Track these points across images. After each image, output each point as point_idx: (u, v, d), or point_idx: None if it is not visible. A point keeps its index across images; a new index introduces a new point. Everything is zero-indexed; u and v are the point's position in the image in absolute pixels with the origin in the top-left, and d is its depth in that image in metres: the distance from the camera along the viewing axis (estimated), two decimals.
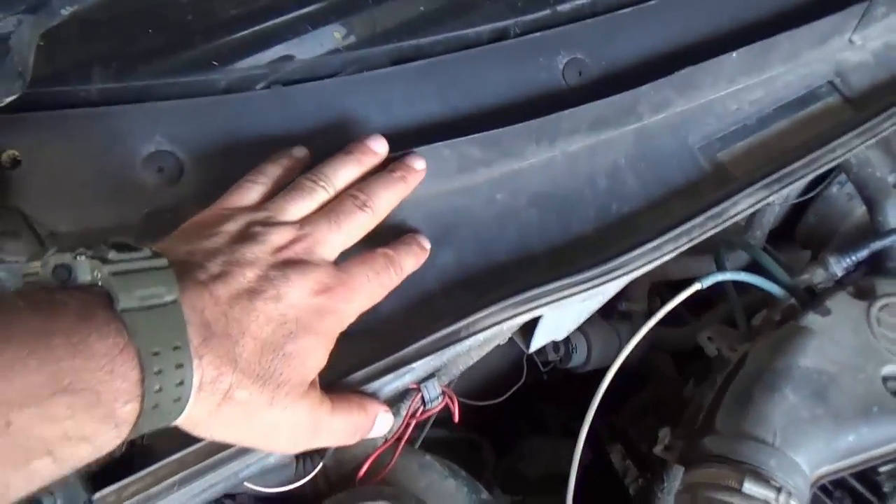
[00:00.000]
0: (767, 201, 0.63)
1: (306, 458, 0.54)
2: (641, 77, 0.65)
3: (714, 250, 0.85)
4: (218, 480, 0.48)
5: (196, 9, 0.61)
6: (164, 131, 0.57)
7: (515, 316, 0.54)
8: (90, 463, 0.37)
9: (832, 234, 1.18)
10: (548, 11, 0.67)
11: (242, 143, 0.58)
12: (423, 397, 0.58)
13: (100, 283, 0.37)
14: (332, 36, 0.62)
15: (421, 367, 0.52)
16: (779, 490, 0.57)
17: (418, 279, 0.57)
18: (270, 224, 0.47)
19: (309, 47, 0.63)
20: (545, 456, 1.09)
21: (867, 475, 0.68)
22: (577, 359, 0.97)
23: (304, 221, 0.49)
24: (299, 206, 0.50)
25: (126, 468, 0.47)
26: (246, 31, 0.62)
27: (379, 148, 0.55)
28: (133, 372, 0.35)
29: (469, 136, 0.59)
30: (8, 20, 0.31)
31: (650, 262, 0.57)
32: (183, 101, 0.58)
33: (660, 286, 1.06)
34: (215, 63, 0.59)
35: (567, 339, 0.96)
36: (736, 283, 0.78)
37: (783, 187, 0.63)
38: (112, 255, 0.37)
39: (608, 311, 1.02)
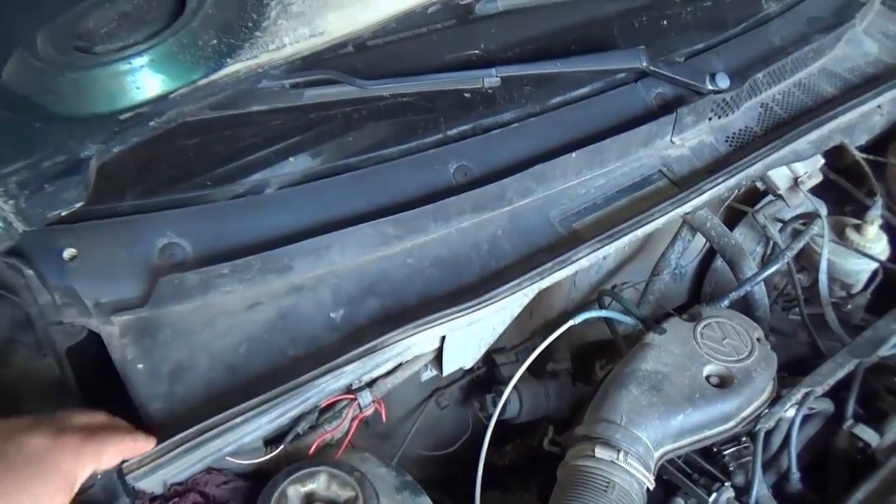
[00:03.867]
0: (604, 253, 0.88)
1: (271, 443, 0.75)
2: (509, 174, 0.92)
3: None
4: (208, 454, 0.69)
5: (196, 150, 0.89)
6: (173, 230, 0.83)
7: (416, 332, 0.77)
8: None
9: (725, 299, 1.42)
10: (441, 135, 0.95)
11: (227, 232, 0.84)
12: (358, 403, 0.80)
13: None
14: (290, 161, 0.90)
15: (351, 371, 0.75)
16: (619, 451, 0.77)
17: (352, 320, 0.81)
18: None
19: (278, 169, 0.90)
20: None
21: (716, 458, 0.87)
22: (511, 410, 1.17)
23: None
24: None
25: None
26: (231, 164, 0.90)
27: None
28: None
29: (385, 218, 0.85)
30: (92, 147, 0.57)
31: (513, 293, 0.81)
32: (186, 209, 0.84)
33: (579, 348, 1.28)
34: (209, 183, 0.87)
35: (502, 395, 1.17)
36: None
37: (612, 242, 0.89)
38: None
39: (538, 372, 1.23)
